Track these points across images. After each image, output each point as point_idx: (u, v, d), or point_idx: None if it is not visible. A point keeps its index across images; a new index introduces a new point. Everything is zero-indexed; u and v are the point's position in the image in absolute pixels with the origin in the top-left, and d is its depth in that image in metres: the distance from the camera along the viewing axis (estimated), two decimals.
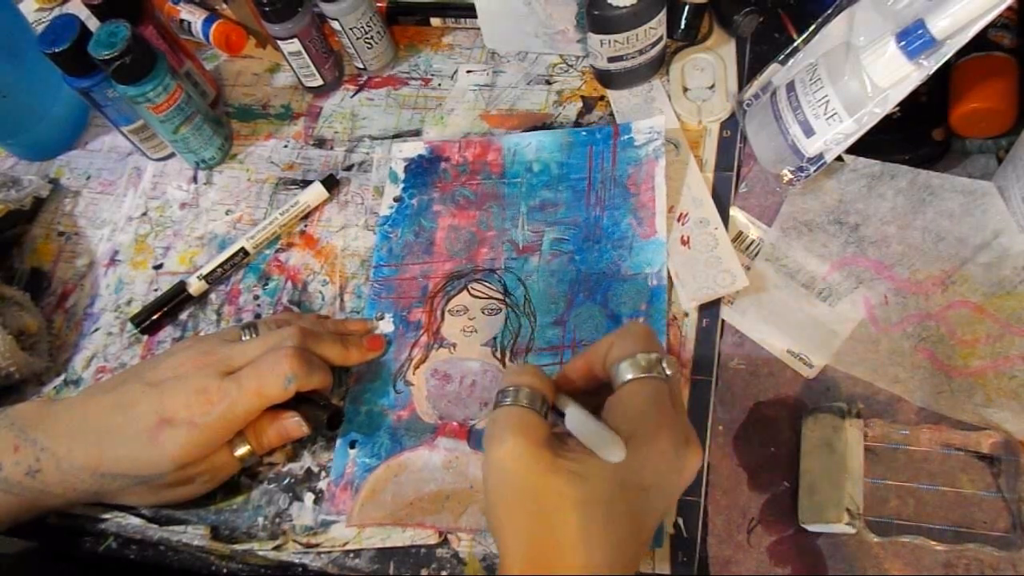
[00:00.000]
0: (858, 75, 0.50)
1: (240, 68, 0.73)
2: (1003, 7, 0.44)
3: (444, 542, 0.51)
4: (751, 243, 0.57)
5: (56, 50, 0.58)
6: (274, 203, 0.65)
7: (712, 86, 0.62)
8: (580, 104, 0.65)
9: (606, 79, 0.63)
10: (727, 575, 0.48)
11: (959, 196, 0.54)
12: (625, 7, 0.55)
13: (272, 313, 0.61)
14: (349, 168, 0.66)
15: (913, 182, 0.55)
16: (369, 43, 0.66)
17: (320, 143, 0.67)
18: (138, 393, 0.49)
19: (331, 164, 0.66)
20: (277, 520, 0.53)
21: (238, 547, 0.52)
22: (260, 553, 0.52)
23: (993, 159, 0.56)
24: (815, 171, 0.54)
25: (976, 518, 0.47)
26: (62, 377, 0.61)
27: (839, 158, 0.55)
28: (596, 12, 0.57)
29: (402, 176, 0.63)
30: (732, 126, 0.61)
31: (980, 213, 0.54)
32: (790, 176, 0.56)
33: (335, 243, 0.63)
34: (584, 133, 0.62)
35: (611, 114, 0.63)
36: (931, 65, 0.48)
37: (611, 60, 0.61)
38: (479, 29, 0.67)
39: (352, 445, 0.54)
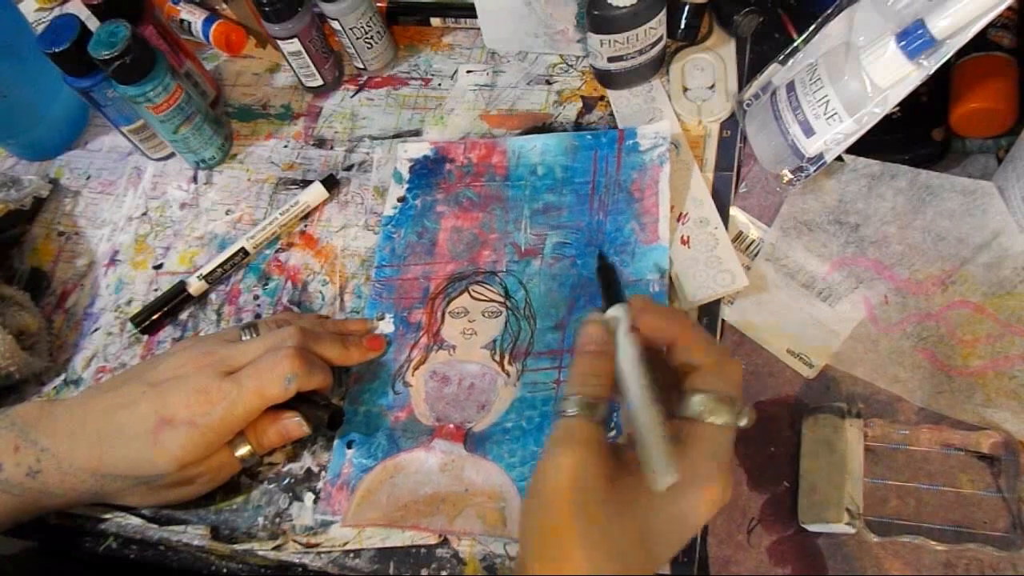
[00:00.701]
0: (858, 75, 0.50)
1: (240, 68, 0.73)
2: (1003, 7, 0.44)
3: (444, 542, 0.51)
4: (751, 243, 0.57)
5: (56, 50, 0.58)
6: (274, 203, 0.65)
7: (712, 86, 0.62)
8: (580, 104, 0.65)
9: (606, 79, 0.63)
10: (727, 575, 0.48)
11: (959, 196, 0.54)
12: (625, 7, 0.55)
13: (272, 313, 0.61)
14: (349, 168, 0.66)
15: (913, 182, 0.55)
16: (369, 43, 0.66)
17: (320, 143, 0.67)
18: (138, 393, 0.49)
19: (331, 164, 0.66)
20: (277, 520, 0.53)
21: (238, 547, 0.52)
22: (260, 553, 0.52)
23: (993, 159, 0.56)
24: (815, 171, 0.54)
25: (976, 518, 0.47)
26: (62, 377, 0.61)
27: (839, 158, 0.55)
28: (596, 12, 0.57)
29: (407, 176, 0.63)
30: (732, 126, 0.61)
31: (980, 213, 0.54)
32: (790, 176, 0.55)
33: (335, 243, 0.63)
34: (589, 137, 0.62)
35: (611, 114, 0.63)
36: (931, 65, 0.48)
37: (611, 60, 0.61)
38: (479, 29, 0.67)
39: (349, 445, 0.54)
